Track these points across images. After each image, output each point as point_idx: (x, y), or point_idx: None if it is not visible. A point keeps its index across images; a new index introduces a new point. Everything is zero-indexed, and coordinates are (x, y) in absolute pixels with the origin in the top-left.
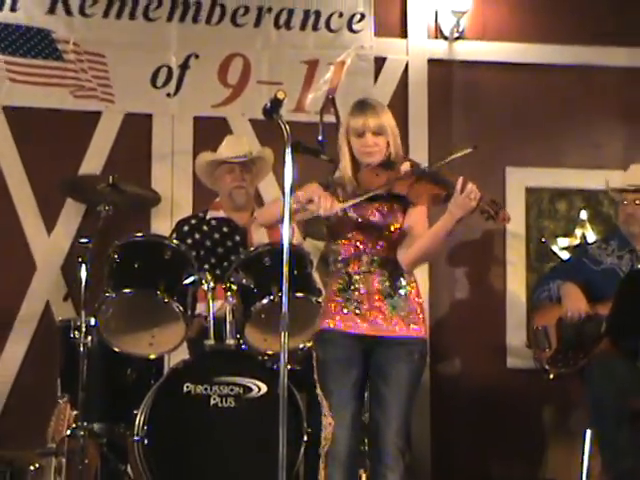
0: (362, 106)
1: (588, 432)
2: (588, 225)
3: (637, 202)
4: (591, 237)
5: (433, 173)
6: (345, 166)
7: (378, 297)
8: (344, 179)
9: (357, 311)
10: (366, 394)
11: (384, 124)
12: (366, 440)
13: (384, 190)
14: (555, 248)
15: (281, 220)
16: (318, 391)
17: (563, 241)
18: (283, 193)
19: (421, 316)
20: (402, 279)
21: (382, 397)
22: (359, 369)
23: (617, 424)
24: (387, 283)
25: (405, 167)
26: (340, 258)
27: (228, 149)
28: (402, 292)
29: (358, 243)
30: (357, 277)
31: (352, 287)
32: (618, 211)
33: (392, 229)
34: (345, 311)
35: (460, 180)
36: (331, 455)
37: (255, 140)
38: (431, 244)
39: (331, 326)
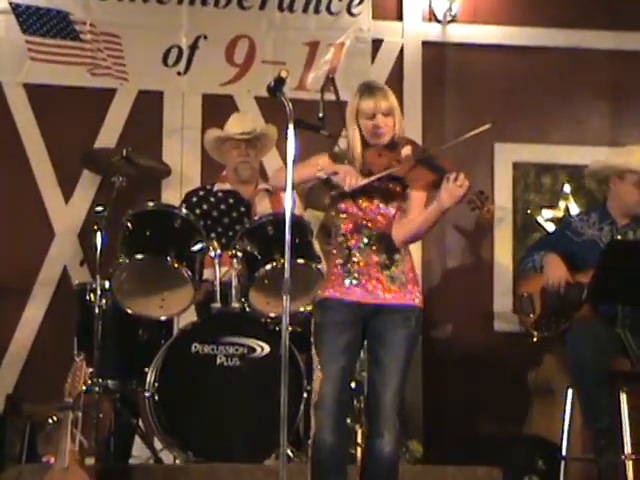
0: (371, 89)
1: (569, 391)
2: (571, 198)
3: None
4: (574, 209)
5: (429, 159)
6: (354, 146)
7: (376, 269)
8: (352, 156)
9: (356, 282)
10: (363, 355)
11: (393, 105)
12: (362, 398)
13: (387, 172)
14: (540, 219)
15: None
16: (312, 351)
17: (547, 213)
18: (286, 166)
19: (416, 287)
20: (398, 253)
21: (380, 360)
22: (354, 332)
23: (597, 384)
24: (384, 256)
25: (406, 151)
26: (341, 232)
27: (234, 126)
28: (398, 264)
29: (358, 219)
30: (356, 251)
31: (352, 260)
32: (628, 192)
33: (390, 209)
34: (345, 282)
35: (451, 169)
36: (319, 405)
37: (260, 116)
38: (422, 226)
39: (330, 295)
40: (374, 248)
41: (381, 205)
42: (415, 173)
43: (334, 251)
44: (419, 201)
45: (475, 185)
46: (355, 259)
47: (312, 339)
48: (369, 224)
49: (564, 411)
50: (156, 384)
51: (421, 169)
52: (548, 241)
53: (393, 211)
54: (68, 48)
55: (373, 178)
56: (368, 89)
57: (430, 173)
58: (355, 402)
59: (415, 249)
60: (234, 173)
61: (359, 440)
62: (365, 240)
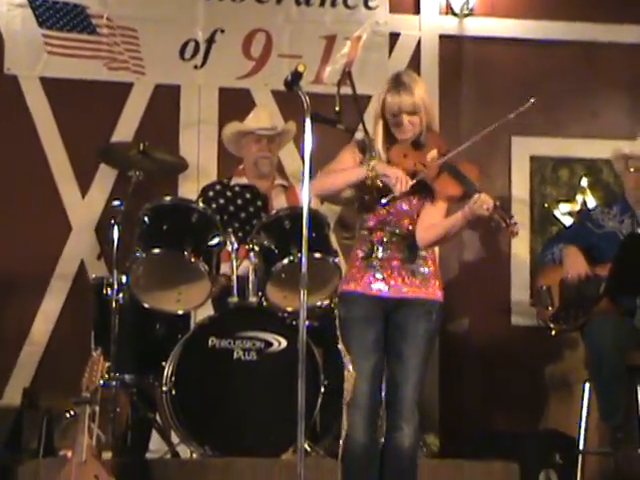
0: (398, 85)
1: (587, 385)
2: (588, 192)
3: None
4: (591, 203)
5: (455, 168)
6: (378, 140)
7: (398, 263)
8: (376, 150)
9: (378, 275)
10: None
11: (418, 103)
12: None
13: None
14: (557, 213)
15: (337, 191)
16: (340, 346)
17: (564, 207)
18: (303, 160)
19: (438, 282)
20: (421, 249)
21: (400, 352)
22: (379, 327)
23: (614, 378)
24: (407, 251)
25: (432, 154)
26: (366, 226)
27: (257, 121)
28: (420, 259)
29: (382, 216)
30: (379, 246)
31: (374, 254)
32: (626, 179)
33: (414, 213)
34: (367, 275)
35: (478, 181)
36: (353, 404)
37: (276, 110)
38: (444, 235)
39: (353, 288)
40: (397, 243)
41: (404, 206)
42: (440, 182)
43: (358, 243)
44: (441, 208)
45: (492, 179)
46: (378, 253)
47: (339, 333)
48: (393, 221)
49: (581, 405)
50: (173, 378)
51: (446, 178)
52: (567, 234)
53: (416, 215)
54: (85, 42)
55: (418, 179)
56: (396, 84)
57: (455, 185)
58: None
59: None
60: (253, 167)
61: None
62: (388, 236)
